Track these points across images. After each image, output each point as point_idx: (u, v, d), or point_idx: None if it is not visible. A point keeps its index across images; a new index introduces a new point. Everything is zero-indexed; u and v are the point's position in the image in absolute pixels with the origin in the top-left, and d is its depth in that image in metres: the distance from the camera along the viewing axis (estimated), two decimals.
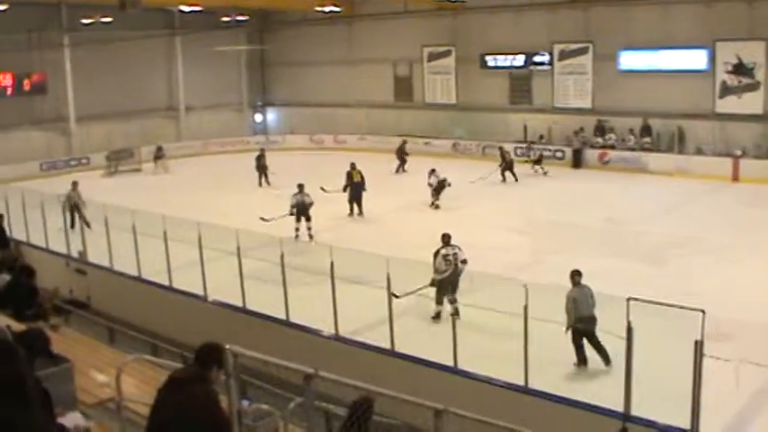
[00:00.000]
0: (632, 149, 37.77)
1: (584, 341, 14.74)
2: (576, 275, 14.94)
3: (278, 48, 53.54)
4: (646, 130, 37.68)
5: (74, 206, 27.36)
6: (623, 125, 38.49)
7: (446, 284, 17.36)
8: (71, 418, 6.53)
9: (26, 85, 43.68)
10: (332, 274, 15.82)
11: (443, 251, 17.51)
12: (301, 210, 25.95)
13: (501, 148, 36.96)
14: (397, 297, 15.94)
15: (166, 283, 20.10)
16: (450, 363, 14.18)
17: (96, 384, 9.07)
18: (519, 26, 41.31)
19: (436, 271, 17.35)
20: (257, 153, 38.28)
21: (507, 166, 35.89)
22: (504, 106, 43.21)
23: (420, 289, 17.33)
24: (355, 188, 29.44)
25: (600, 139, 39.23)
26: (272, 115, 55.44)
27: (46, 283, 14.95)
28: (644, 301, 11.55)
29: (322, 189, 28.22)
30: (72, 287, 22.24)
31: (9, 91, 43.07)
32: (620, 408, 11.99)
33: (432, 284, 17.40)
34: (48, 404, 5.85)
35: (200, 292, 18.99)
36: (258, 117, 55.26)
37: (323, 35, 49.60)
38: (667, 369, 12.89)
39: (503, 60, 42.75)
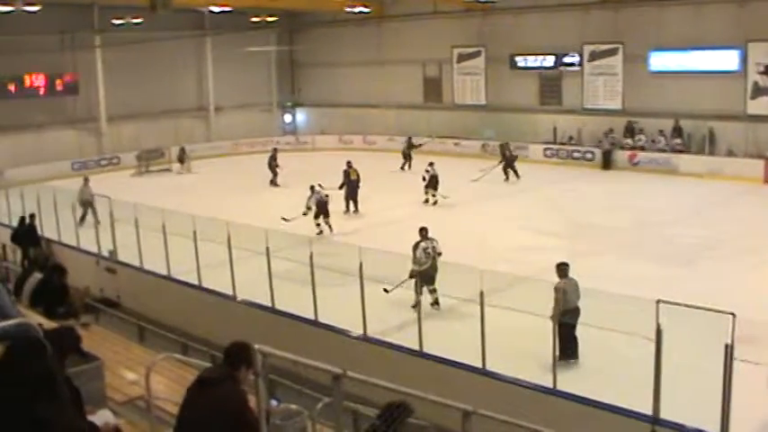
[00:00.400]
0: (662, 151, 37.53)
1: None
2: (563, 267, 15.16)
3: (308, 48, 53.67)
4: (676, 132, 37.45)
5: (86, 202, 28.09)
6: (653, 126, 38.27)
7: (425, 275, 17.84)
8: (101, 416, 6.56)
9: (58, 85, 44.04)
10: (360, 274, 15.80)
11: (423, 244, 18.30)
12: (320, 207, 26.51)
13: (502, 145, 37.49)
14: (387, 292, 17.39)
15: (196, 282, 20.18)
16: (479, 362, 14.14)
17: (126, 382, 9.12)
18: (549, 27, 41.16)
19: (416, 263, 18.05)
20: (270, 153, 38.54)
21: (508, 163, 36.19)
22: (534, 107, 43.09)
23: (404, 282, 17.95)
24: (351, 186, 30.12)
25: (630, 141, 39.03)
26: (301, 116, 55.58)
27: (76, 281, 15.07)
28: (673, 303, 11.45)
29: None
30: (102, 286, 22.37)
31: (42, 91, 43.42)
32: (648, 411, 11.92)
33: (411, 276, 17.84)
34: (78, 401, 5.88)
35: (230, 292, 19.05)
36: (288, 117, 55.40)
37: (352, 36, 49.70)
38: (697, 372, 12.79)
39: (532, 61, 42.64)
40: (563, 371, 13.22)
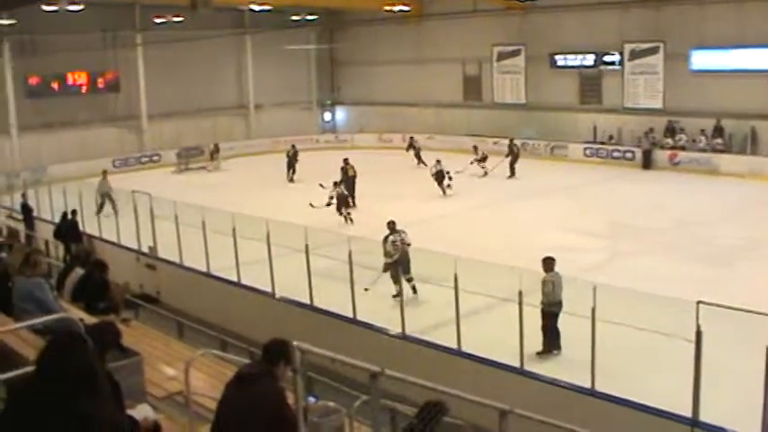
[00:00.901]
0: (703, 150, 37.17)
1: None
2: (549, 261, 15.57)
3: (347, 47, 53.82)
4: (717, 131, 37.07)
5: (104, 194, 29.58)
6: (694, 126, 37.87)
7: (398, 266, 18.75)
8: (141, 410, 6.59)
9: (100, 83, 44.60)
10: (399, 272, 15.81)
11: (391, 237, 19.26)
12: (340, 200, 28.69)
13: (511, 140, 38.26)
14: (367, 290, 18.28)
15: (235, 279, 20.28)
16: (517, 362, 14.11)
17: (165, 378, 9.17)
18: (589, 25, 40.89)
19: (387, 255, 19.07)
20: (290, 150, 39.41)
21: (515, 158, 36.93)
22: (574, 106, 42.85)
23: (378, 277, 19.06)
24: (349, 182, 31.28)
25: (670, 140, 38.69)
26: (341, 114, 55.69)
27: (117, 277, 15.17)
28: (713, 304, 11.35)
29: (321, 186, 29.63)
30: (142, 282, 22.55)
31: (84, 89, 44.00)
32: (688, 413, 11.83)
33: (385, 270, 19.02)
34: (118, 396, 5.93)
35: (269, 289, 19.11)
36: (327, 115, 55.53)
37: (392, 34, 49.65)
38: (737, 374, 12.68)
39: (572, 60, 42.40)
40: (598, 371, 13.12)
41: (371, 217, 27.55)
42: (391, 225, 19.64)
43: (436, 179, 32.83)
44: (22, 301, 10.17)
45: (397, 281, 18.44)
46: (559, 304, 15.32)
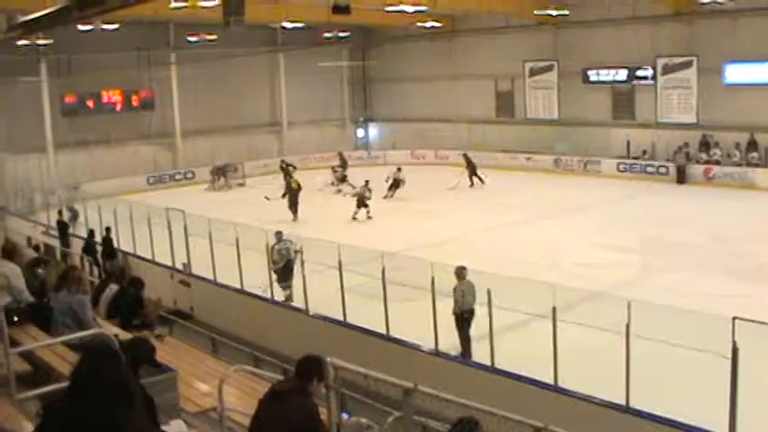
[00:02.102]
0: (738, 165, 36.89)
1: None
2: (461, 270, 16.69)
3: (380, 63, 53.96)
4: (752, 145, 36.77)
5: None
6: (729, 140, 37.60)
7: (282, 273, 20.84)
8: (174, 426, 6.64)
9: (135, 100, 44.99)
10: (432, 289, 15.78)
11: (277, 246, 20.96)
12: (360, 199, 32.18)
13: (465, 155, 40.00)
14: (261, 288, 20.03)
15: (268, 296, 20.32)
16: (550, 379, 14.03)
17: (199, 394, 9.20)
18: (621, 40, 40.70)
19: (274, 263, 20.75)
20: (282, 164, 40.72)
21: (472, 170, 38.64)
22: (607, 121, 42.64)
23: (267, 284, 20.62)
24: (293, 195, 32.97)
25: (704, 155, 38.41)
26: (373, 130, 55.80)
27: (151, 293, 15.23)
28: (750, 321, 11.24)
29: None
30: (176, 298, 22.63)
31: (118, 107, 44.41)
32: (724, 430, 11.70)
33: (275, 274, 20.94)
34: (152, 411, 5.96)
35: (302, 306, 19.14)
36: (360, 132, 55.66)
37: (424, 51, 49.78)
38: None
39: (605, 75, 42.22)
40: (633, 387, 13.01)
41: (407, 232, 27.61)
42: (279, 235, 21.30)
43: (391, 186, 36.40)
44: (62, 315, 10.26)
45: (284, 287, 20.89)
46: (470, 312, 16.43)
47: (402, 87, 52.07)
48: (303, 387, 6.17)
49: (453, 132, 48.72)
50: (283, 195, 32.96)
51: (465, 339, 16.61)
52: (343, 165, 41.43)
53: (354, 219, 32.30)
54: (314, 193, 37.13)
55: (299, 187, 33.39)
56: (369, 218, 32.30)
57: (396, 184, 36.44)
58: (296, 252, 20.73)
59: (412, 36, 47.97)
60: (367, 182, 33.18)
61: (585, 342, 16.22)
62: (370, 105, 56.02)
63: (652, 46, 39.60)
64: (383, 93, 54.87)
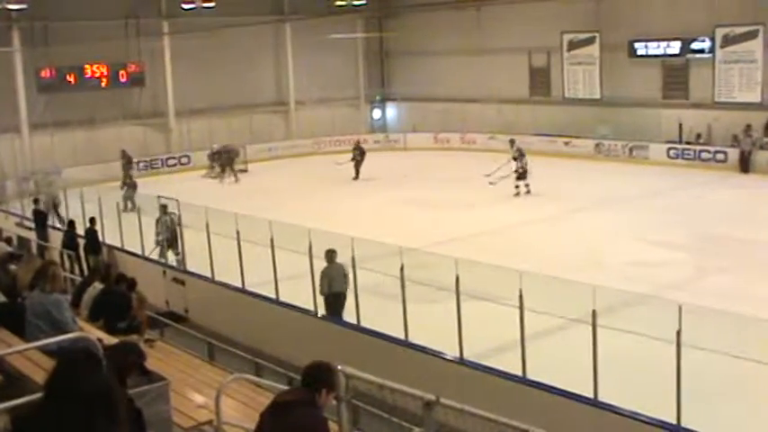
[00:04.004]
0: None
1: None
2: (330, 253, 18.69)
3: (399, 36, 53.83)
4: None
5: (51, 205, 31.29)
6: None
7: (170, 242, 24.79)
8: None
9: (122, 76, 44.94)
10: (457, 289, 15.75)
11: (163, 218, 24.70)
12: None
13: (357, 142, 41.95)
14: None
15: (272, 295, 20.34)
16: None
17: (193, 406, 9.23)
18: (674, 8, 40.46)
19: (157, 234, 24.86)
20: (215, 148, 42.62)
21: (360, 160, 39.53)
22: (656, 101, 42.43)
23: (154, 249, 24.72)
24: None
25: None
26: (391, 111, 55.74)
27: (141, 293, 15.32)
28: None
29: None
30: (169, 298, 22.70)
31: (104, 82, 44.39)
32: None
33: (157, 245, 24.88)
34: (140, 425, 5.97)
35: (310, 307, 19.16)
36: (376, 113, 55.61)
37: (449, 22, 49.60)
38: None
39: (655, 48, 42.00)
40: (686, 404, 12.96)
41: (428, 227, 27.59)
42: (163, 209, 24.71)
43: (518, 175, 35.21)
44: (36, 318, 10.24)
45: (163, 255, 24.69)
46: (338, 296, 18.75)
47: (424, 63, 51.95)
48: (310, 398, 6.15)
49: (481, 113, 48.66)
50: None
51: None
52: (361, 155, 41.12)
53: (517, 194, 33.69)
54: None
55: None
56: (528, 192, 33.76)
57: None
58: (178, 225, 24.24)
59: (435, 4, 47.84)
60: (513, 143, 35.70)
61: (630, 351, 16.17)
62: (388, 83, 56.00)
63: (710, 13, 39.25)
64: (402, 69, 54.79)
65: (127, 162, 38.70)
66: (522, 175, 33.75)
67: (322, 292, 18.84)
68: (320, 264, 19.37)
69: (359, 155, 40.20)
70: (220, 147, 43.70)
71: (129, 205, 31.34)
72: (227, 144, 43.73)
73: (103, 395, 4.01)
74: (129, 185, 34.73)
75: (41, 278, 10.80)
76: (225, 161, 42.54)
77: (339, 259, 18.76)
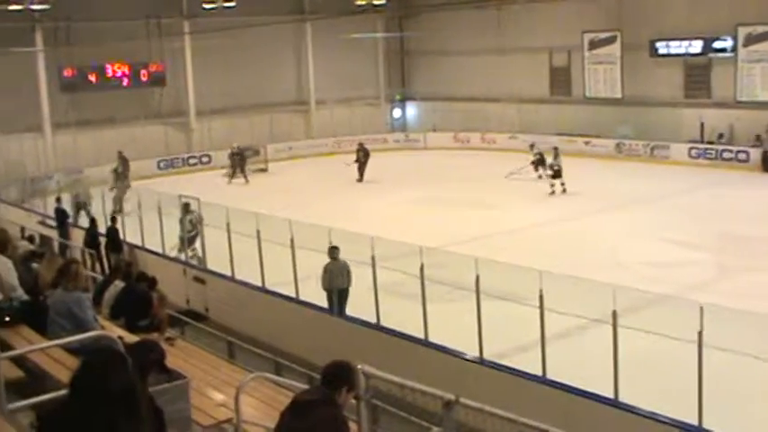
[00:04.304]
0: None
1: None
2: (333, 250, 19.10)
3: (419, 36, 53.82)
4: None
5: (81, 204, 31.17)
6: None
7: (190, 240, 25.17)
8: None
9: (143, 75, 45.08)
10: (477, 288, 15.73)
11: (188, 217, 24.84)
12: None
13: (360, 144, 41.42)
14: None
15: (293, 294, 20.35)
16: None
17: (213, 404, 9.23)
18: (696, 6, 40.26)
19: (184, 231, 24.98)
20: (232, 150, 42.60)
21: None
22: (678, 100, 42.26)
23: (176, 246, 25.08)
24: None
25: None
26: (412, 111, 55.68)
27: (162, 291, 15.33)
28: None
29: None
30: (189, 297, 22.75)
31: (125, 82, 44.55)
32: None
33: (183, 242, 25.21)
34: (161, 423, 5.97)
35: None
36: (396, 112, 55.56)
37: (470, 21, 49.44)
38: None
39: (676, 47, 41.81)
40: (708, 405, 12.90)
41: (447, 226, 27.55)
42: (186, 207, 24.84)
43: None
44: (58, 316, 10.24)
45: (184, 252, 24.89)
46: (341, 293, 19.22)
47: (444, 62, 51.90)
48: (330, 398, 6.14)
49: (502, 113, 48.57)
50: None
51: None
52: (365, 156, 40.87)
53: (552, 192, 34.09)
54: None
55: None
56: (564, 191, 34.05)
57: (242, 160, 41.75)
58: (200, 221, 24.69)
59: (455, 4, 47.71)
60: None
61: (651, 351, 16.09)
62: (408, 82, 55.96)
63: (732, 12, 39.06)
64: (422, 68, 54.74)
65: (123, 162, 38.70)
66: (557, 173, 33.73)
67: (324, 287, 19.36)
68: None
69: (363, 156, 40.06)
70: (240, 147, 43.80)
71: (118, 207, 31.32)
72: (246, 145, 43.84)
73: (127, 395, 4.02)
74: (121, 188, 34.71)
75: (64, 276, 10.79)
76: (238, 162, 42.54)
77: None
